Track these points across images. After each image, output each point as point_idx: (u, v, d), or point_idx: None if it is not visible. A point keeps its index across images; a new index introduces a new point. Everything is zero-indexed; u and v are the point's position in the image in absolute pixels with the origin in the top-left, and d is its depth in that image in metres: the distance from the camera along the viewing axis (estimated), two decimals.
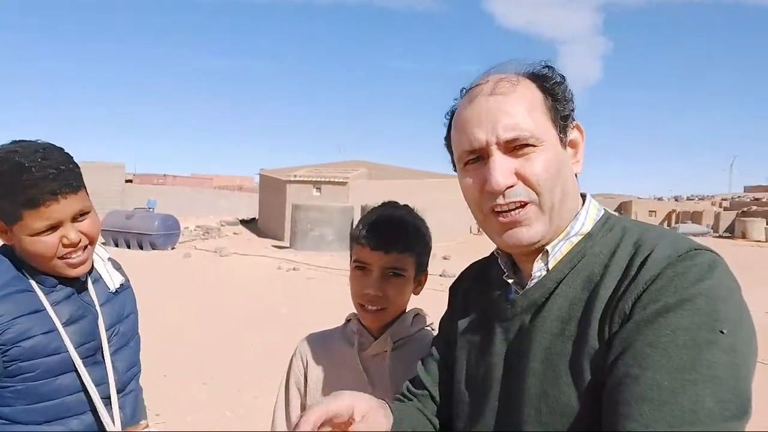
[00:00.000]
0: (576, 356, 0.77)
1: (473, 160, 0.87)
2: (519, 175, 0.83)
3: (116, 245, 17.23)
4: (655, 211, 46.63)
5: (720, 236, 33.62)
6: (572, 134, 0.90)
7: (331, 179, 21.38)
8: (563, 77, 0.90)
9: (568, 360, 0.78)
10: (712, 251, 0.77)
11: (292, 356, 1.40)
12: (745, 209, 39.53)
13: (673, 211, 45.71)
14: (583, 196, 0.93)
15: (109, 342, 1.32)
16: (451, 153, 0.94)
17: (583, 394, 0.76)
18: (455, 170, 0.94)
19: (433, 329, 1.39)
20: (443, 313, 1.13)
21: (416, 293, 1.33)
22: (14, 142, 1.22)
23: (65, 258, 1.22)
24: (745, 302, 0.74)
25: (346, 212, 18.12)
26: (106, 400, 1.28)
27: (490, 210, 0.86)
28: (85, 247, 1.25)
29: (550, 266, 0.86)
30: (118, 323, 1.38)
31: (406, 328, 1.32)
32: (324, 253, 16.43)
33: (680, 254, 0.74)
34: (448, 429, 1.01)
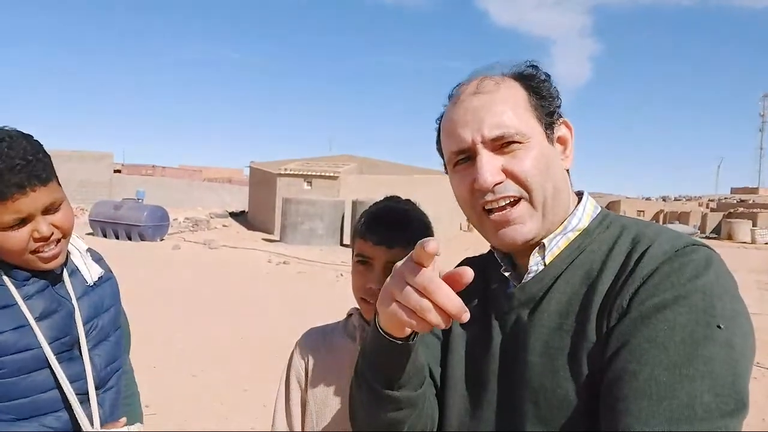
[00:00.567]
0: (574, 350, 0.78)
1: (462, 160, 0.88)
2: (507, 172, 0.84)
3: (104, 235, 17.09)
4: (643, 211, 47.02)
5: (707, 237, 33.98)
6: (560, 131, 0.92)
7: (322, 173, 21.33)
8: (548, 75, 0.92)
9: (567, 354, 0.79)
10: (708, 247, 0.78)
11: (293, 351, 1.38)
12: (732, 210, 39.98)
13: (661, 211, 46.12)
14: (580, 194, 0.95)
15: (87, 336, 1.27)
16: (443, 157, 0.96)
17: (581, 388, 0.77)
18: (447, 173, 0.96)
19: None
20: None
21: None
22: None
23: (37, 252, 1.17)
24: (741, 298, 0.75)
25: (337, 206, 18.10)
26: (84, 396, 1.23)
27: (481, 209, 0.86)
28: (59, 240, 1.20)
29: (548, 261, 0.88)
30: (96, 317, 1.32)
31: None
32: (314, 247, 16.41)
33: (677, 250, 0.76)
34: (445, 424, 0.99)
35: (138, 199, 24.94)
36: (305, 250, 15.50)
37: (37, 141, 1.19)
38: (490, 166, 0.83)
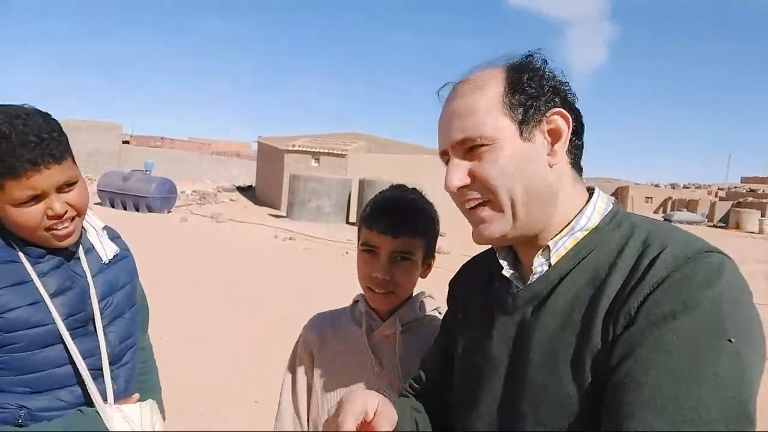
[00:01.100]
0: (578, 352, 0.77)
1: (446, 162, 0.91)
2: (473, 175, 0.85)
3: (112, 206, 17.20)
4: (651, 198, 46.74)
5: (714, 226, 33.79)
6: (552, 123, 0.85)
7: (330, 151, 21.28)
8: (545, 62, 0.88)
9: (570, 355, 0.77)
10: (721, 252, 0.75)
11: (300, 335, 1.39)
12: (741, 200, 39.67)
13: (669, 198, 45.82)
14: (592, 190, 0.91)
15: (101, 313, 1.29)
16: None
17: (583, 390, 0.75)
18: None
19: (440, 312, 1.39)
20: (445, 312, 1.14)
21: (423, 277, 1.33)
22: None
23: (51, 229, 1.18)
24: (755, 308, 0.72)
25: (344, 185, 18.09)
26: (98, 371, 1.25)
27: (462, 206, 0.89)
28: (73, 218, 1.22)
29: (553, 261, 0.85)
30: (111, 294, 1.34)
31: (414, 312, 1.33)
32: (321, 224, 16.45)
33: (689, 256, 0.73)
34: (447, 422, 1.02)
35: (146, 171, 25.00)
36: (312, 227, 15.54)
37: (54, 119, 1.19)
38: (455, 171, 0.86)
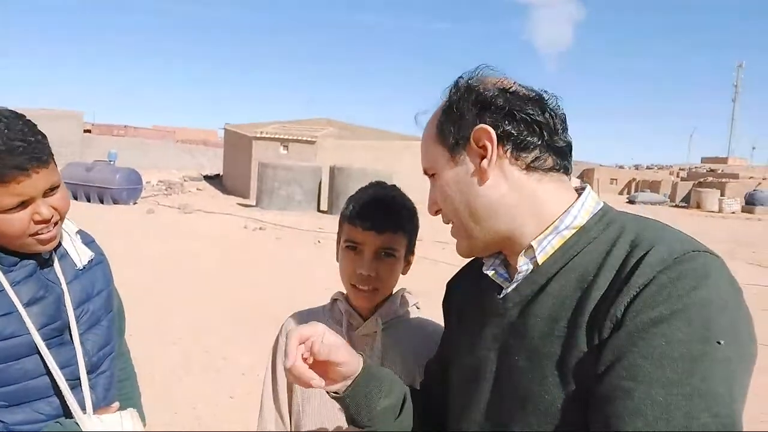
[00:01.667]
0: (563, 357, 0.76)
1: None
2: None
3: (75, 198, 16.68)
4: (616, 179, 47.80)
5: (676, 206, 34.77)
6: (479, 142, 0.86)
7: (299, 137, 21.06)
8: (470, 81, 0.89)
9: (556, 360, 0.77)
10: (710, 253, 0.75)
11: (278, 335, 1.39)
12: (701, 180, 40.90)
13: (633, 179, 46.92)
14: (582, 189, 0.91)
15: (77, 321, 1.26)
16: None
17: (569, 396, 0.75)
18: None
19: (419, 308, 1.41)
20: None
21: (404, 273, 1.34)
22: None
23: (36, 234, 1.16)
24: (745, 307, 0.72)
25: (314, 172, 17.95)
26: (76, 381, 1.23)
27: None
28: (56, 222, 1.19)
29: (540, 260, 0.85)
30: (87, 301, 1.31)
31: (394, 309, 1.34)
32: (292, 213, 16.32)
33: (676, 257, 0.72)
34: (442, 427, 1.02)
35: (110, 161, 24.34)
36: (282, 216, 15.41)
37: (30, 121, 1.16)
38: (429, 198, 0.95)
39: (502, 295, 0.89)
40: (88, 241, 1.40)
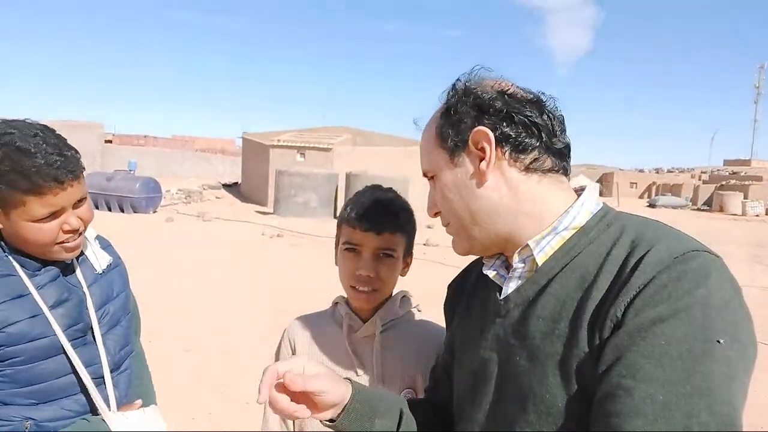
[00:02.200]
0: (565, 358, 0.77)
1: None
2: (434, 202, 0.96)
3: (96, 207, 16.94)
4: (636, 183, 47.18)
5: (698, 209, 34.20)
6: (478, 144, 0.86)
7: (316, 145, 21.19)
8: (468, 83, 0.90)
9: (557, 361, 0.77)
10: (710, 252, 0.75)
11: (280, 339, 1.41)
12: (724, 183, 40.15)
13: (654, 183, 46.27)
14: (583, 189, 0.91)
15: (99, 322, 1.32)
16: None
17: (570, 396, 0.76)
18: None
19: (419, 310, 1.42)
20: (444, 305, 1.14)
21: (403, 275, 1.35)
22: (5, 123, 1.18)
23: (62, 243, 1.22)
24: (745, 307, 0.72)
25: (330, 179, 18.03)
26: (99, 379, 1.28)
27: None
28: (81, 232, 1.26)
29: (540, 261, 0.85)
30: (108, 303, 1.37)
31: (394, 311, 1.35)
32: (308, 219, 16.40)
33: (675, 257, 0.73)
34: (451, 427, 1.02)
35: (130, 171, 24.76)
36: (299, 223, 15.50)
37: (60, 134, 1.22)
38: (428, 200, 0.97)
39: (502, 296, 0.89)
40: (105, 245, 1.46)
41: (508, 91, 0.88)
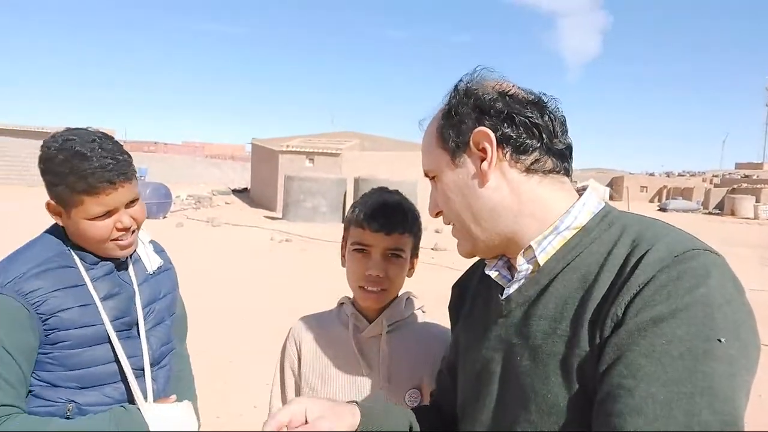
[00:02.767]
0: (566, 357, 0.77)
1: None
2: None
3: None
4: (646, 187, 46.90)
5: (710, 213, 33.93)
6: (479, 145, 0.87)
7: (324, 150, 21.26)
8: (469, 84, 0.90)
9: (559, 360, 0.77)
10: (711, 251, 0.74)
11: (286, 339, 1.42)
12: (735, 186, 39.79)
13: (664, 187, 45.96)
14: (584, 189, 0.91)
15: (145, 319, 1.41)
16: None
17: (572, 395, 0.75)
18: None
19: (424, 311, 1.42)
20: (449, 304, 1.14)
21: (409, 276, 1.36)
22: (69, 130, 1.30)
23: (116, 240, 1.32)
24: (747, 305, 0.71)
25: (339, 184, 18.08)
26: (139, 371, 1.37)
27: None
28: (134, 230, 1.35)
29: (541, 261, 0.85)
30: (154, 302, 1.46)
31: (400, 311, 1.35)
32: (317, 224, 16.45)
33: (675, 255, 0.72)
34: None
35: (140, 176, 24.93)
36: (307, 228, 15.55)
37: (117, 141, 1.33)
38: (430, 200, 0.97)
39: (504, 296, 0.90)
40: (159, 250, 1.58)
41: (509, 92, 0.88)
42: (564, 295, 0.81)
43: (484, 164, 0.86)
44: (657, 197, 44.65)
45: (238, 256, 10.97)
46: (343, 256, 1.38)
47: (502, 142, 0.86)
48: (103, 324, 1.30)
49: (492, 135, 0.86)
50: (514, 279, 0.89)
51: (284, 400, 1.38)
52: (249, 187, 27.54)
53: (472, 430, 0.92)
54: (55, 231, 1.36)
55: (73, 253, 1.32)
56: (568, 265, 0.82)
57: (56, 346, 1.25)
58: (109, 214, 1.28)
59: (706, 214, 33.31)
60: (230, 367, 4.97)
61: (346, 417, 0.93)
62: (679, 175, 65.37)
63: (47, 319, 1.23)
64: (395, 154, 21.69)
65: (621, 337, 0.70)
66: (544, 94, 0.90)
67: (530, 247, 0.86)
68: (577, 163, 0.93)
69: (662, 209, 33.25)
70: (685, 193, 41.26)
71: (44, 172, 1.26)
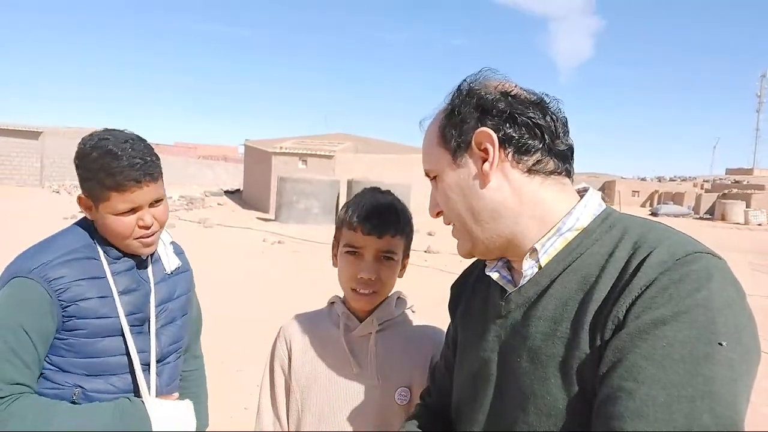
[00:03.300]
0: (566, 359, 0.76)
1: None
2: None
3: None
4: (638, 192, 47.14)
5: (701, 218, 34.16)
6: (481, 146, 0.87)
7: (317, 152, 21.24)
8: (473, 85, 0.90)
9: (558, 362, 0.77)
10: (713, 254, 0.74)
11: (276, 338, 1.41)
12: (726, 191, 40.08)
13: (656, 191, 46.22)
14: (585, 190, 0.91)
15: (156, 317, 1.45)
16: None
17: (571, 397, 0.75)
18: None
19: (414, 311, 1.43)
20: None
21: (400, 276, 1.36)
22: (106, 131, 1.36)
23: (140, 238, 1.37)
24: (748, 309, 0.71)
25: (332, 186, 18.06)
26: (146, 366, 1.41)
27: None
28: (156, 230, 1.40)
29: (543, 263, 0.85)
30: (168, 302, 1.51)
31: (390, 311, 1.35)
32: (310, 226, 16.41)
33: (677, 258, 0.72)
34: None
35: None
36: (300, 230, 15.51)
37: (149, 144, 1.39)
38: (430, 200, 0.97)
39: (505, 297, 0.89)
40: (179, 252, 1.63)
41: (512, 93, 0.88)
42: (564, 296, 0.80)
43: (486, 165, 0.86)
44: (648, 202, 44.91)
45: (231, 258, 10.92)
46: (334, 256, 1.38)
47: (504, 142, 0.86)
48: (118, 317, 1.35)
49: (494, 135, 0.86)
50: (521, 283, 0.88)
51: (274, 400, 1.38)
52: (241, 189, 27.46)
53: (469, 431, 0.92)
54: (84, 224, 1.42)
55: (98, 247, 1.38)
56: (568, 266, 0.82)
57: (73, 333, 1.30)
58: (133, 211, 1.33)
59: (697, 219, 33.53)
60: (222, 369, 4.95)
61: None
62: (671, 179, 65.73)
63: (67, 307, 1.28)
64: (389, 157, 21.71)
65: (622, 339, 0.70)
66: (546, 94, 0.90)
67: (535, 249, 0.86)
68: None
69: (654, 214, 33.41)
70: (677, 198, 41.50)
71: (78, 168, 1.33)
